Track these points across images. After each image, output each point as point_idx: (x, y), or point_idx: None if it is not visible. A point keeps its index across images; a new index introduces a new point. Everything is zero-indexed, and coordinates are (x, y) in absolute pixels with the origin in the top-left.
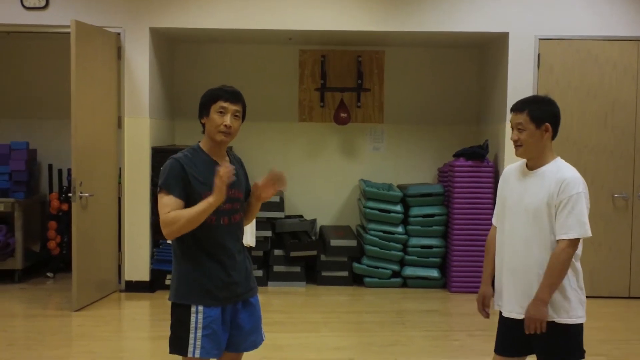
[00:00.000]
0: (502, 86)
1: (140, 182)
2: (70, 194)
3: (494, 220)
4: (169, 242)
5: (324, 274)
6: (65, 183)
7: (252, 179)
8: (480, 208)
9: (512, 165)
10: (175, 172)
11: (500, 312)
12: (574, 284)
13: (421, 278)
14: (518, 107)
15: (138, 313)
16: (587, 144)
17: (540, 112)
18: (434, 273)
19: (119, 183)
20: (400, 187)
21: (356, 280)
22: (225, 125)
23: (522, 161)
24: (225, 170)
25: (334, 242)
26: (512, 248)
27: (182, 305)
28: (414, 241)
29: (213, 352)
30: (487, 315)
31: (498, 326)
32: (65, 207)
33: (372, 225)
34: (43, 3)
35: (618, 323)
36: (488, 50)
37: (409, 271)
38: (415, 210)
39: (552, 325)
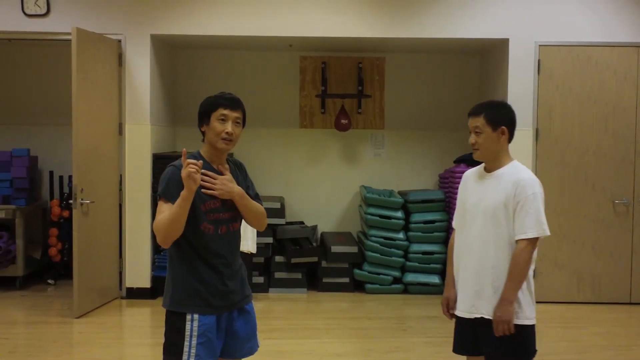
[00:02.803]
0: (502, 92)
1: (141, 189)
2: (71, 201)
3: (454, 224)
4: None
5: (325, 280)
6: (66, 190)
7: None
8: None
9: (471, 169)
10: (176, 179)
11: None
12: (524, 287)
13: (422, 284)
14: (475, 111)
15: (139, 320)
16: (588, 149)
17: (497, 115)
18: (435, 279)
19: (120, 190)
20: (401, 193)
21: (357, 286)
22: (227, 133)
23: (481, 165)
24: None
25: (335, 249)
26: (470, 249)
27: (177, 313)
28: (415, 247)
29: (207, 359)
30: (451, 318)
31: (455, 325)
32: (66, 214)
33: (373, 232)
34: (44, 10)
35: (619, 329)
36: (488, 56)
37: (410, 277)
38: (416, 217)
39: None
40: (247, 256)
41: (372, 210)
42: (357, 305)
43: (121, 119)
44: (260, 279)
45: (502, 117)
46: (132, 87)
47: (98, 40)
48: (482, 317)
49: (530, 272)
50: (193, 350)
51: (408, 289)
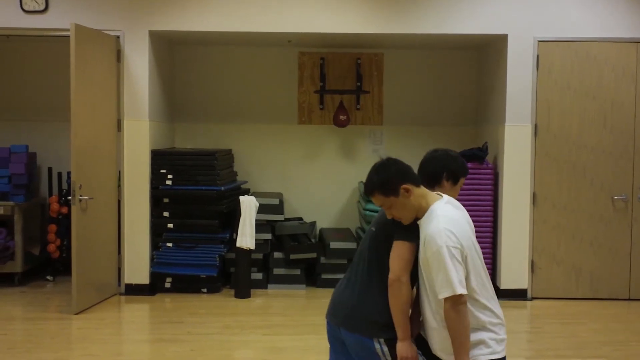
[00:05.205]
0: (501, 88)
1: (140, 185)
2: (70, 197)
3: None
4: (356, 267)
5: (323, 276)
6: (65, 186)
7: (250, 180)
8: (480, 210)
9: None
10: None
11: None
12: (486, 326)
13: None
14: (368, 192)
15: (138, 316)
16: (587, 145)
17: (388, 184)
18: None
19: (119, 186)
20: None
21: None
22: None
23: None
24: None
25: (334, 245)
26: (424, 302)
27: (395, 338)
28: None
29: None
30: None
31: None
32: (65, 210)
33: None
34: (42, 7)
35: (618, 325)
36: (487, 52)
37: None
38: None
39: None
40: (246, 252)
41: (370, 206)
42: None
43: (120, 115)
44: (259, 275)
45: (392, 183)
46: (131, 83)
47: (96, 37)
48: None
49: (483, 311)
50: None
51: None
